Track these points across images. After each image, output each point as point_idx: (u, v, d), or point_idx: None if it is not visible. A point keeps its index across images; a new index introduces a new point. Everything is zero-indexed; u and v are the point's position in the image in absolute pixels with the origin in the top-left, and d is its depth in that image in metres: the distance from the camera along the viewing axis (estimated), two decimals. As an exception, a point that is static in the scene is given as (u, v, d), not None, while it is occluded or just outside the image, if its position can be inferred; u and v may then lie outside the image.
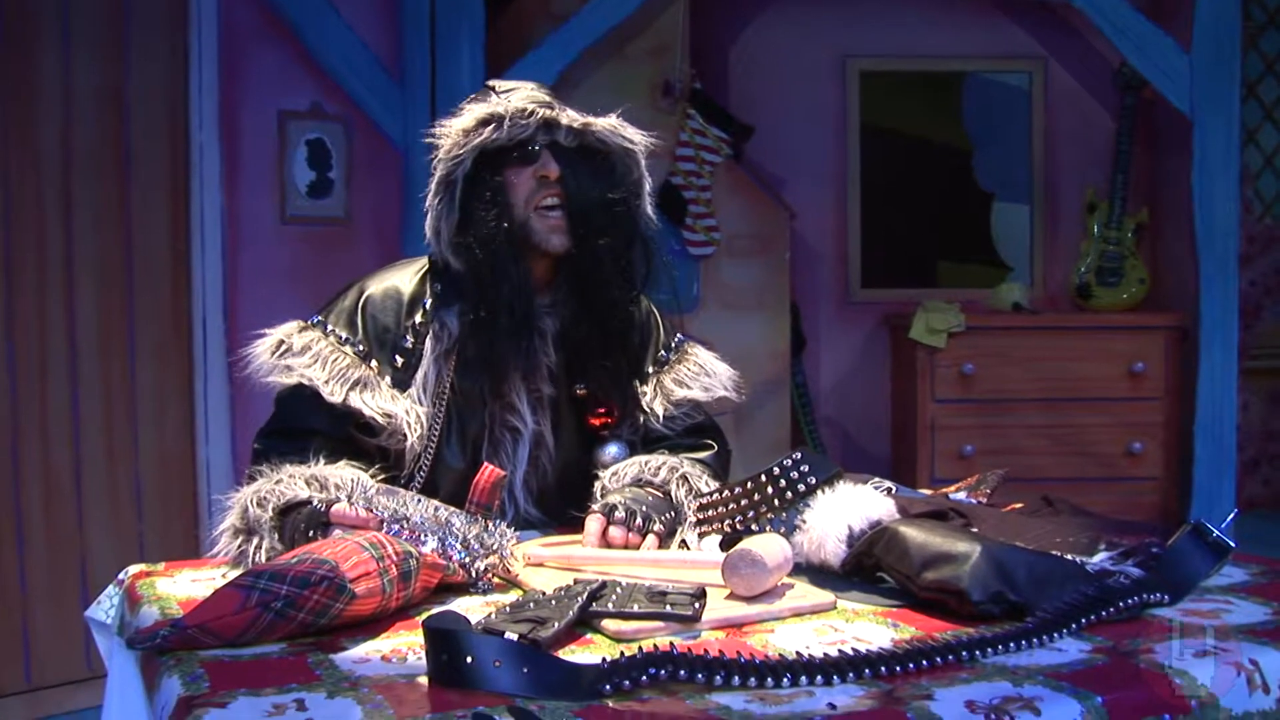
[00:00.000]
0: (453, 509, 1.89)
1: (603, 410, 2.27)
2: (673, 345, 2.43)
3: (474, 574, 1.84)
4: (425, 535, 1.82)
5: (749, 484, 1.95)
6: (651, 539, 2.03)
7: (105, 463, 4.04)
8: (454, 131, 2.16)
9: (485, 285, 2.15)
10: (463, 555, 1.83)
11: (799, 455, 1.94)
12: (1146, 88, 5.03)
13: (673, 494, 2.15)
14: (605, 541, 2.02)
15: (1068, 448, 5.00)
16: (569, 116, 2.19)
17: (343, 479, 1.94)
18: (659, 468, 2.19)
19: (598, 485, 2.20)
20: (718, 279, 5.03)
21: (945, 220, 5.75)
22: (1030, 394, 5.03)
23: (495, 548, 1.86)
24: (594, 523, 2.04)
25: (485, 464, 1.98)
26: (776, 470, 1.93)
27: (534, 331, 2.20)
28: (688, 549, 2.02)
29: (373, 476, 1.98)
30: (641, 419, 2.33)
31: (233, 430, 4.21)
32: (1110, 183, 5.36)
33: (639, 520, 2.04)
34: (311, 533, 1.86)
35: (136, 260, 4.08)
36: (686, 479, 2.18)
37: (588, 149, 2.21)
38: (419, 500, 1.89)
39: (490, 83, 2.29)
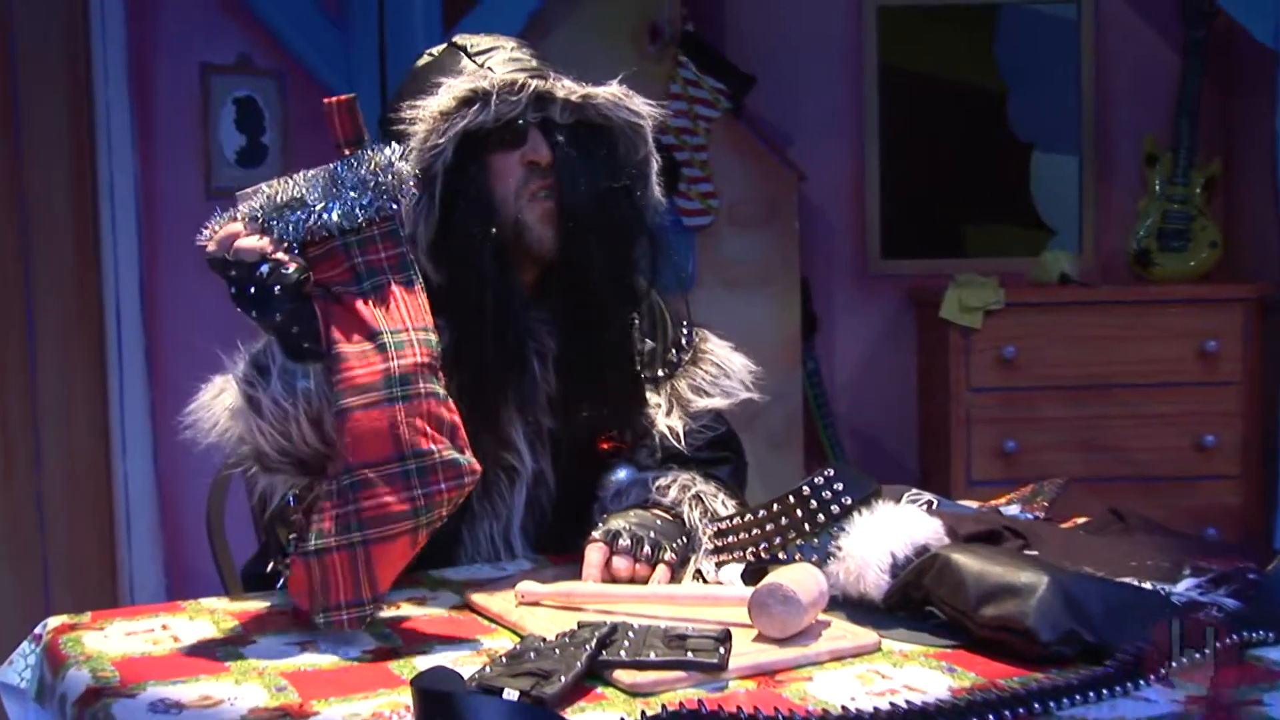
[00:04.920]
0: (324, 166, 1.87)
1: (614, 433, 2.28)
2: (683, 342, 2.44)
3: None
4: (328, 205, 1.83)
5: (775, 506, 1.97)
6: (661, 569, 2.06)
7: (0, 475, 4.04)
8: (429, 115, 2.11)
9: (471, 304, 2.13)
10: (370, 199, 1.84)
11: (831, 472, 1.96)
12: (1220, 16, 5.04)
13: (685, 517, 2.17)
14: (609, 574, 2.05)
15: (1126, 443, 5.02)
16: (565, 87, 2.16)
17: None
18: (668, 486, 2.22)
19: (598, 507, 2.24)
20: (717, 253, 5.06)
21: (977, 177, 5.76)
22: (1082, 380, 5.04)
23: (395, 173, 1.86)
24: (595, 553, 2.06)
25: (325, 100, 1.91)
26: (806, 490, 1.95)
27: (529, 357, 2.20)
28: (703, 580, 2.05)
29: None
30: (657, 439, 2.33)
31: (154, 437, 4.21)
32: (1174, 130, 5.35)
33: (646, 548, 2.06)
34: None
35: (34, 235, 4.07)
36: (700, 498, 2.20)
37: (585, 123, 2.19)
38: (284, 182, 1.87)
39: (457, 40, 2.27)
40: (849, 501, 1.93)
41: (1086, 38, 5.65)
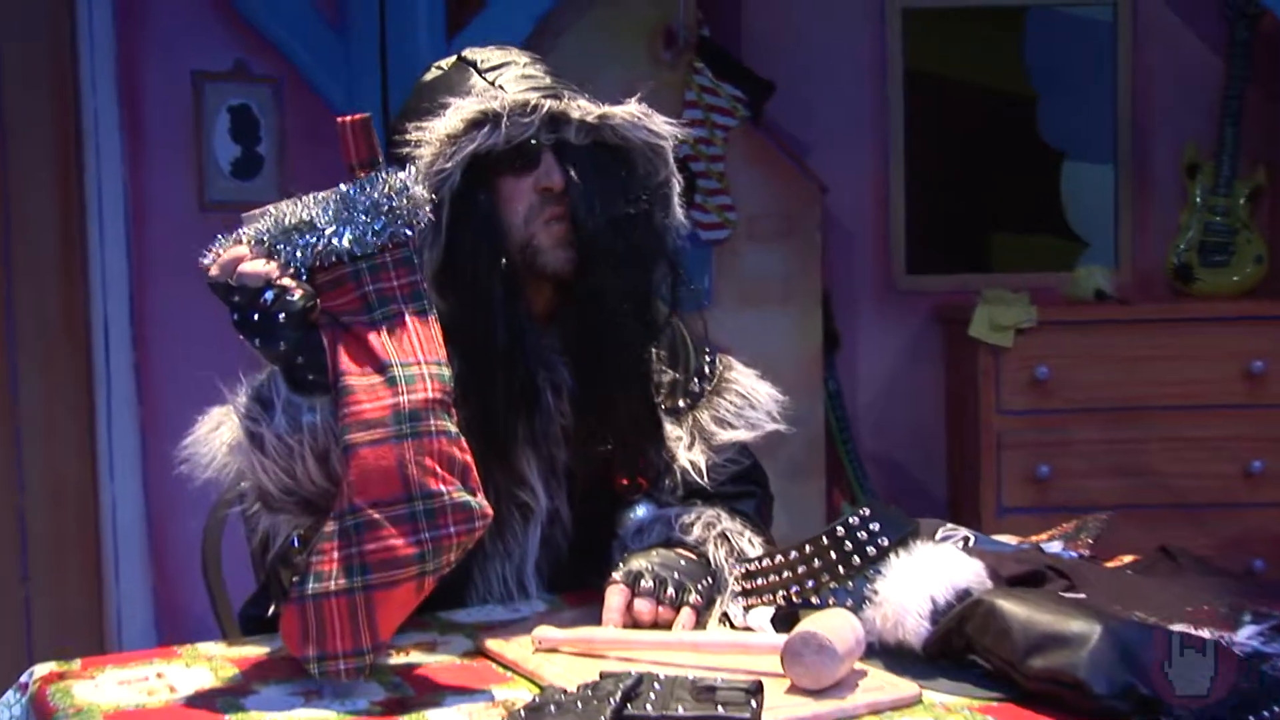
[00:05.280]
0: (335, 188, 1.85)
1: (634, 467, 2.25)
2: (706, 371, 2.42)
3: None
4: (339, 229, 1.81)
5: (807, 547, 1.94)
6: (686, 613, 2.03)
7: (-23, 499, 4.02)
8: (436, 138, 2.07)
9: (479, 334, 2.10)
10: (384, 223, 1.82)
11: (867, 511, 1.94)
12: (1265, 17, 5.02)
13: (710, 556, 2.15)
14: (631, 618, 2.02)
15: (1167, 468, 4.99)
16: (580, 108, 2.13)
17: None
18: (691, 523, 2.19)
19: (617, 545, 2.21)
20: (735, 269, 5.05)
21: (1006, 187, 5.74)
22: (1119, 403, 5.01)
23: (410, 197, 1.84)
24: (616, 595, 2.03)
25: (338, 119, 1.88)
26: (841, 530, 1.92)
27: (542, 388, 2.18)
28: (730, 625, 2.03)
29: None
30: (679, 475, 2.30)
31: (143, 459, 4.19)
32: (1217, 137, 5.33)
33: (670, 590, 2.04)
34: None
35: (16, 246, 4.06)
36: (726, 536, 2.17)
37: (601, 144, 2.16)
38: (292, 204, 1.85)
39: (467, 54, 2.23)
40: (886, 543, 1.91)
41: (1124, 40, 5.62)
